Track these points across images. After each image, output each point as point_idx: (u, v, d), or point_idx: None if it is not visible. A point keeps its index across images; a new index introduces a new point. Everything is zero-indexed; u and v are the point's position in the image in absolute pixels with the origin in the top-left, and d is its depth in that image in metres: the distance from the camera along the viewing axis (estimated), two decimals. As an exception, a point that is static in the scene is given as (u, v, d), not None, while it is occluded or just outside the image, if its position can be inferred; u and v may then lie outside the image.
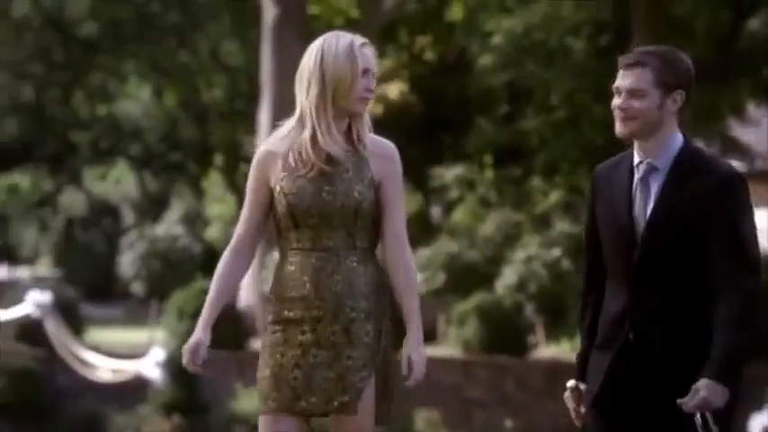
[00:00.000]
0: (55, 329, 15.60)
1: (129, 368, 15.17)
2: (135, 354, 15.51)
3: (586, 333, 3.67)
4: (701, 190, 3.52)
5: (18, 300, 16.10)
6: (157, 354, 14.78)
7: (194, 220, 24.14)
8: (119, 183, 26.14)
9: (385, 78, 19.44)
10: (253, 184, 3.69)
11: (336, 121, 3.65)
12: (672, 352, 3.51)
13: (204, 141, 23.28)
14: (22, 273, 22.75)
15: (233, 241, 3.70)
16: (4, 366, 15.63)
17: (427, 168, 18.56)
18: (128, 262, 23.90)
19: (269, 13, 15.55)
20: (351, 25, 17.11)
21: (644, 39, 13.29)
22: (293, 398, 3.58)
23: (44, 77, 23.08)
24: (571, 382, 3.65)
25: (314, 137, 3.62)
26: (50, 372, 15.92)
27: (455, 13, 17.76)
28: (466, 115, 19.17)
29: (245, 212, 3.71)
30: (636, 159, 3.62)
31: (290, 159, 3.63)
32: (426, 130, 20.08)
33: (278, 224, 3.66)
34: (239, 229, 3.70)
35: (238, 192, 20.06)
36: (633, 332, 3.53)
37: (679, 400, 3.43)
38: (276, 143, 3.67)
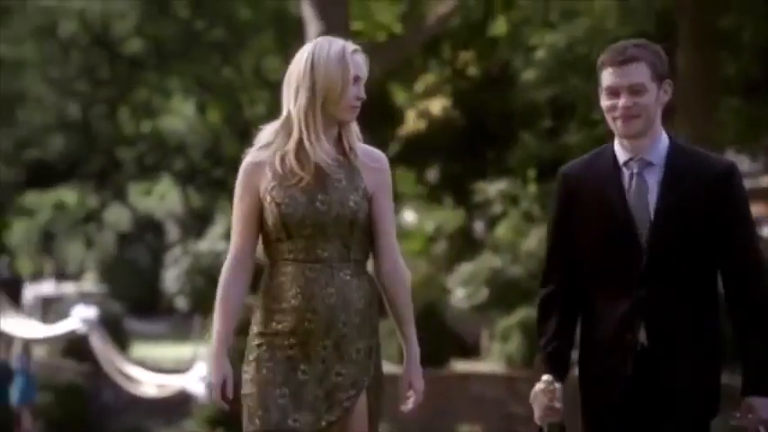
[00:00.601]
0: (100, 345, 15.69)
1: (173, 383, 15.22)
2: (179, 369, 15.57)
3: (556, 332, 3.45)
4: (702, 184, 3.39)
5: (64, 315, 16.22)
6: (201, 369, 14.83)
7: (238, 236, 24.16)
8: (163, 198, 26.29)
9: (428, 94, 19.46)
10: (241, 195, 3.51)
11: (326, 130, 3.49)
12: (688, 351, 3.36)
13: (247, 157, 23.30)
14: (69, 288, 22.92)
15: (229, 260, 3.51)
16: (50, 382, 15.73)
17: (470, 183, 18.53)
18: (172, 277, 24.02)
19: (311, 29, 15.61)
20: (394, 40, 17.14)
21: (688, 52, 13.22)
22: (281, 417, 3.40)
23: (90, 95, 23.29)
24: (548, 377, 3.43)
25: (300, 145, 3.46)
26: (96, 387, 16.01)
27: (498, 27, 17.75)
28: (509, 130, 19.13)
29: (236, 227, 3.53)
30: (622, 156, 3.45)
31: (278, 168, 3.47)
32: (469, 144, 20.06)
33: (268, 234, 3.49)
34: (233, 246, 3.52)
35: (282, 207, 20.01)
36: (647, 335, 3.36)
37: (732, 421, 3.34)
38: (262, 152, 3.50)
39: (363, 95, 3.52)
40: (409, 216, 20.76)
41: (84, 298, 18.35)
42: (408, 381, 3.49)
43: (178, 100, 23.48)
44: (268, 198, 3.46)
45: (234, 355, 3.47)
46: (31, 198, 26.60)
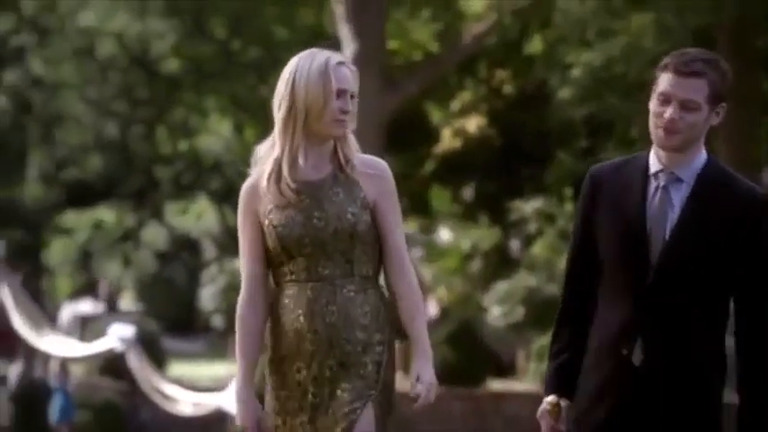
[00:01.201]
0: (137, 363, 15.74)
1: (209, 402, 15.25)
2: (216, 387, 15.60)
3: (567, 342, 3.30)
4: (728, 210, 3.23)
5: (102, 334, 16.30)
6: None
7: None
8: (199, 217, 26.39)
9: (464, 112, 19.44)
10: (243, 222, 3.42)
11: (312, 145, 3.36)
12: (684, 373, 3.21)
13: (284, 176, 23.37)
14: (106, 307, 23.02)
15: (243, 293, 3.42)
16: (88, 400, 15.79)
17: (506, 202, 18.49)
18: (208, 296, 24.09)
19: (348, 48, 15.64)
20: (430, 59, 17.14)
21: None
22: None
23: (128, 115, 23.44)
24: (552, 398, 3.28)
25: (282, 161, 3.35)
26: (133, 405, 16.06)
27: (534, 46, 17.72)
28: (545, 148, 19.08)
29: (244, 257, 3.43)
30: (654, 167, 3.28)
31: (271, 189, 3.36)
32: (505, 163, 20.02)
33: (271, 258, 3.40)
34: (245, 278, 3.43)
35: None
36: (643, 352, 3.20)
37: None
38: (258, 175, 3.40)
39: (349, 108, 3.38)
40: (445, 234, 20.72)
41: (122, 317, 18.43)
42: (417, 372, 3.32)
43: (215, 119, 23.60)
44: (266, 222, 3.38)
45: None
46: (70, 217, 26.77)
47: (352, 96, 3.41)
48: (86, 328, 18.80)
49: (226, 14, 18.97)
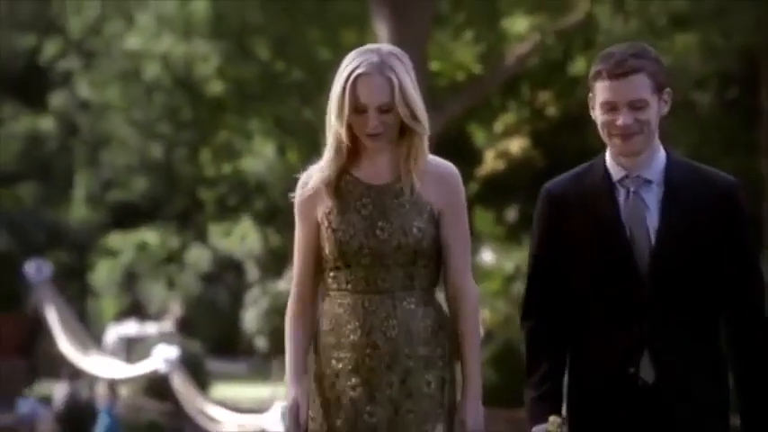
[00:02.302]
0: (181, 385, 15.79)
1: (253, 423, 15.26)
2: (259, 409, 15.61)
3: (549, 370, 3.07)
4: (708, 202, 3.06)
5: (146, 355, 16.36)
6: (281, 409, 14.83)
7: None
8: (243, 239, 26.49)
9: (507, 134, 19.41)
10: (301, 225, 3.20)
11: (369, 151, 3.15)
12: (699, 389, 3.03)
13: (327, 197, 23.43)
14: (150, 328, 23.13)
15: (292, 305, 3.21)
16: (133, 421, 15.85)
17: (550, 223, 18.41)
18: (251, 317, 24.14)
19: (391, 70, 15.56)
20: (473, 80, 17.13)
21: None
22: None
23: (173, 137, 23.59)
24: (555, 418, 3.06)
25: (350, 165, 3.16)
26: (177, 427, 16.10)
27: (578, 67, 17.68)
28: (589, 170, 18.99)
29: (298, 264, 3.21)
30: (616, 174, 3.10)
31: (336, 191, 3.17)
32: (549, 184, 19.94)
33: (325, 262, 3.19)
34: (297, 287, 3.22)
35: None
36: (653, 371, 3.00)
37: None
38: (320, 173, 3.19)
39: (370, 128, 3.13)
40: (488, 256, 20.66)
41: (166, 338, 18.49)
42: (462, 418, 3.10)
43: (258, 141, 23.71)
44: (326, 223, 3.17)
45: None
46: (115, 239, 26.94)
47: (382, 110, 3.15)
48: (131, 349, 18.88)
49: (269, 36, 19.08)
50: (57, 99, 25.30)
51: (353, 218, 3.16)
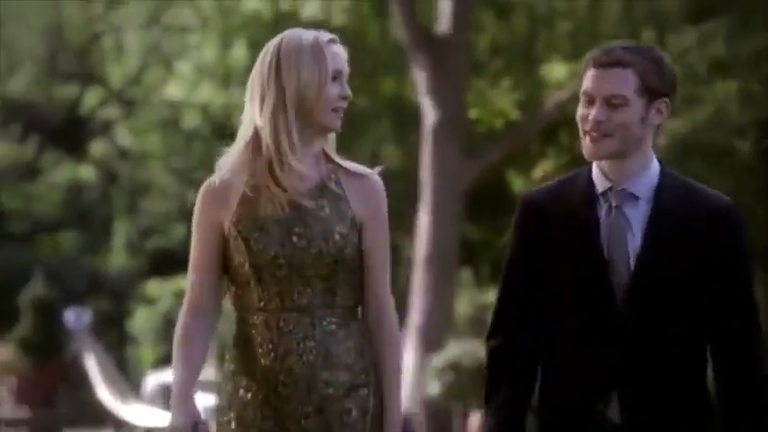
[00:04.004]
0: (219, 432, 15.73)
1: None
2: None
3: (510, 395, 2.73)
4: (699, 224, 2.72)
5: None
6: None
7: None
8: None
9: (545, 180, 19.36)
10: (200, 228, 2.82)
11: (305, 144, 2.79)
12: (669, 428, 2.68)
13: (365, 245, 23.44)
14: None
15: (183, 310, 2.86)
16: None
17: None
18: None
19: (429, 116, 15.69)
20: (511, 127, 17.12)
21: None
22: None
23: (211, 184, 23.70)
24: None
25: (273, 163, 2.76)
26: (214, 474, 16.01)
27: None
28: (628, 216, 18.90)
29: (193, 269, 2.85)
30: (601, 185, 2.76)
31: (247, 195, 2.78)
32: (588, 231, 19.85)
33: (234, 278, 2.81)
34: (189, 292, 2.86)
35: (397, 295, 20.06)
36: (621, 410, 2.68)
37: None
38: (227, 173, 2.81)
39: (348, 93, 2.84)
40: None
41: (203, 386, 18.46)
42: None
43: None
44: (233, 232, 2.78)
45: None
46: (153, 286, 27.03)
47: (345, 79, 2.86)
48: (170, 397, 18.82)
49: (308, 85, 19.16)
50: (97, 148, 25.50)
51: (267, 224, 2.78)
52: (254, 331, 2.81)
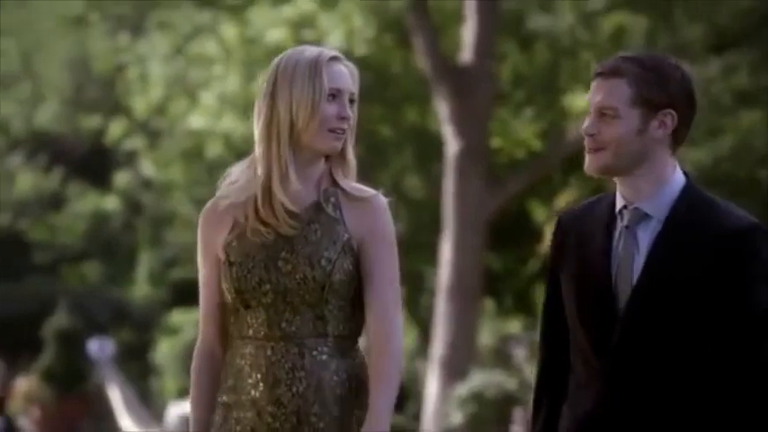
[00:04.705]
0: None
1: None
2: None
3: (545, 419, 2.64)
4: (708, 245, 2.51)
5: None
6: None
7: (378, 354, 24.17)
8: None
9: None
10: (203, 255, 2.74)
11: (302, 166, 2.64)
12: None
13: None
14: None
15: (199, 345, 2.78)
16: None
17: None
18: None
19: (452, 146, 15.71)
20: (534, 157, 17.12)
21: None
22: None
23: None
24: None
25: (266, 185, 2.65)
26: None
27: (639, 143, 17.61)
28: (652, 246, 18.82)
29: (201, 302, 2.77)
30: (619, 204, 2.62)
31: (241, 218, 2.68)
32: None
33: (226, 303, 2.73)
34: (203, 326, 2.78)
35: (421, 325, 20.05)
36: None
37: None
38: (227, 195, 2.72)
39: (348, 114, 2.66)
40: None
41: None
42: None
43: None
44: (223, 256, 2.69)
45: None
46: (177, 316, 27.08)
47: (351, 101, 2.69)
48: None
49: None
50: (121, 178, 25.62)
51: (253, 248, 2.65)
52: (243, 361, 2.70)
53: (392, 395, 2.66)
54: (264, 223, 2.67)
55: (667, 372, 2.54)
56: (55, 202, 26.00)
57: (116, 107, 23.29)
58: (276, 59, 2.73)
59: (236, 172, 2.76)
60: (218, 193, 2.79)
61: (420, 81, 16.19)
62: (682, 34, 15.39)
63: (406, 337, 23.21)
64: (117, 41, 21.08)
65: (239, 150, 21.60)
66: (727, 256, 2.53)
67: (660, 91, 2.58)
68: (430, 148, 19.79)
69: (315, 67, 2.66)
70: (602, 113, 2.60)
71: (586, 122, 2.64)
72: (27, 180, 25.72)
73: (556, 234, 2.71)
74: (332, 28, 16.14)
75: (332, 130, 2.67)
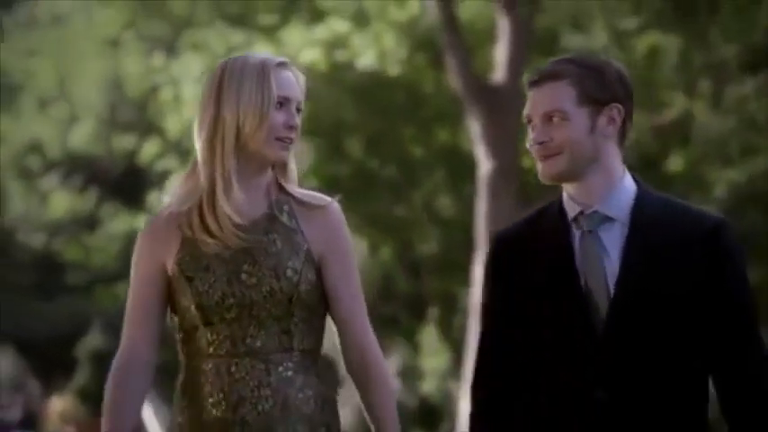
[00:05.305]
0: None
1: None
2: None
3: None
4: (682, 243, 2.45)
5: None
6: None
7: (409, 374, 24.13)
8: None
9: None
10: (139, 267, 2.61)
11: (247, 176, 2.55)
12: None
13: (418, 294, 23.43)
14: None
15: (116, 360, 2.64)
16: None
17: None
18: (345, 414, 23.98)
19: (484, 166, 15.71)
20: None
21: None
22: None
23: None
24: None
25: (210, 195, 2.53)
26: None
27: (674, 164, 17.53)
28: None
29: (130, 311, 2.62)
30: (572, 211, 2.55)
31: (189, 230, 2.55)
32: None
33: (181, 322, 2.62)
34: (123, 339, 2.64)
35: (454, 345, 20.03)
36: None
37: None
38: (171, 206, 2.59)
39: (295, 122, 2.61)
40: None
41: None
42: None
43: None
44: (176, 271, 2.56)
45: None
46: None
47: (298, 109, 2.62)
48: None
49: (363, 134, 19.32)
50: (154, 198, 25.72)
51: (212, 261, 2.54)
52: (203, 379, 2.58)
53: (392, 406, 2.60)
54: (211, 235, 2.55)
55: (659, 365, 2.45)
56: (89, 222, 26.15)
57: (149, 128, 23.42)
58: (220, 64, 2.61)
59: (178, 184, 2.64)
60: (166, 203, 2.65)
61: (452, 101, 16.20)
62: (716, 53, 15.33)
63: (438, 357, 23.16)
64: (150, 62, 21.22)
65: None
66: (705, 253, 2.47)
67: (602, 87, 2.54)
68: (462, 167, 19.78)
69: (263, 72, 2.56)
70: (550, 119, 2.53)
71: (532, 134, 2.57)
72: (62, 201, 25.89)
73: (494, 254, 2.58)
74: (364, 48, 16.19)
75: (280, 139, 2.59)
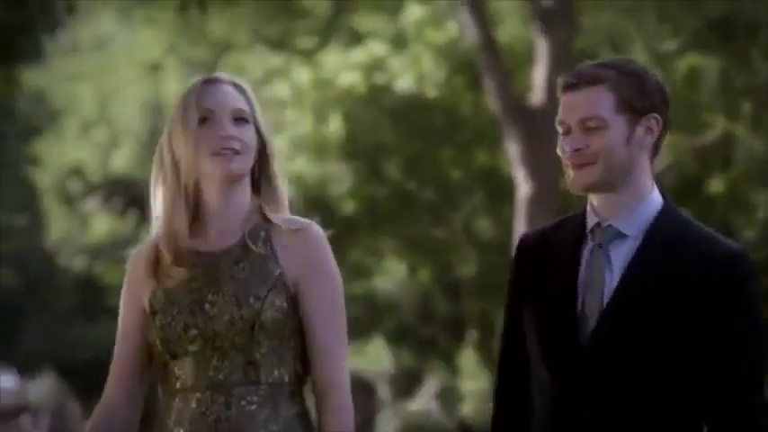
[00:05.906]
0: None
1: None
2: None
3: None
4: (693, 270, 2.29)
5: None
6: None
7: (448, 397, 24.06)
8: (374, 359, 26.44)
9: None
10: (125, 305, 2.54)
11: (213, 201, 2.43)
12: None
13: (457, 316, 23.38)
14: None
15: (94, 412, 2.56)
16: None
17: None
18: (387, 436, 23.96)
19: (523, 188, 15.68)
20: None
21: None
22: None
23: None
24: None
25: (168, 228, 2.45)
26: None
27: (716, 185, 17.42)
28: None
29: (116, 360, 2.53)
30: (591, 222, 2.43)
31: (158, 260, 2.48)
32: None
33: (155, 360, 2.50)
34: (110, 386, 2.55)
35: (493, 368, 19.87)
36: None
37: None
38: (153, 238, 2.52)
39: (228, 132, 2.43)
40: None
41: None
42: None
43: (390, 260, 23.82)
44: (147, 306, 2.48)
45: None
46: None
47: (241, 117, 2.48)
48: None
49: (401, 156, 19.35)
50: (194, 220, 25.81)
51: (176, 293, 2.44)
52: (168, 415, 2.48)
53: None
54: (179, 265, 2.45)
55: (653, 409, 2.30)
56: (130, 245, 26.24)
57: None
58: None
59: (158, 212, 2.55)
60: (151, 237, 2.58)
61: (490, 123, 16.19)
62: (756, 75, 15.24)
63: (477, 379, 23.08)
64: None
65: (311, 192, 21.77)
66: (719, 283, 2.32)
67: (642, 95, 2.40)
68: (500, 189, 19.75)
69: (187, 96, 2.49)
70: (587, 126, 2.40)
71: (567, 141, 2.43)
72: (103, 224, 26.06)
73: (516, 259, 2.49)
74: (403, 70, 16.22)
75: (216, 154, 2.45)
